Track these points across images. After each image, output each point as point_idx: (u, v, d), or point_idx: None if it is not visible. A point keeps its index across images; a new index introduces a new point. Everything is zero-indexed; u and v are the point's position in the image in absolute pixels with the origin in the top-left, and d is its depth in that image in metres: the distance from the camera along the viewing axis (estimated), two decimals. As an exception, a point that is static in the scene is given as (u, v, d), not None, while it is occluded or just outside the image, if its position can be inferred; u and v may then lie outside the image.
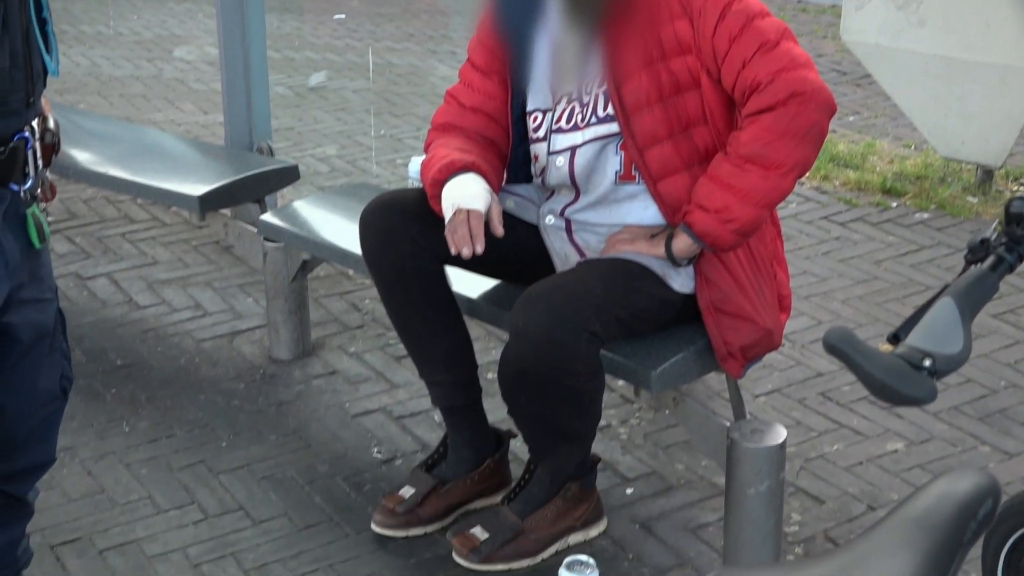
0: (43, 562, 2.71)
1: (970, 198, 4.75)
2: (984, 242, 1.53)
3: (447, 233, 2.53)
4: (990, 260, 1.51)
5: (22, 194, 1.98)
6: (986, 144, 4.61)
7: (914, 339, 1.38)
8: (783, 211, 4.44)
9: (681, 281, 2.59)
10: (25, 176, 1.98)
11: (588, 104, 2.60)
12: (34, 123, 2.01)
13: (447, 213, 2.55)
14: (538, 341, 2.42)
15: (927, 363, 1.35)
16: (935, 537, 0.98)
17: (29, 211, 2.01)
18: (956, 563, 0.99)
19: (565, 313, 2.42)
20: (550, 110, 2.66)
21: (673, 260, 2.56)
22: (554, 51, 2.64)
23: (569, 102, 2.63)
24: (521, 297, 2.50)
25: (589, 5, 2.55)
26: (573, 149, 2.61)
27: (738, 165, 2.46)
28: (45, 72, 2.02)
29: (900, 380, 1.32)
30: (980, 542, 2.16)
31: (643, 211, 2.61)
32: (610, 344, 2.55)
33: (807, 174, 4.83)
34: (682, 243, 2.53)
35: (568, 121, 2.62)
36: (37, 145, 2.01)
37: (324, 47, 7.15)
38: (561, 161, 2.63)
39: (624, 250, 2.59)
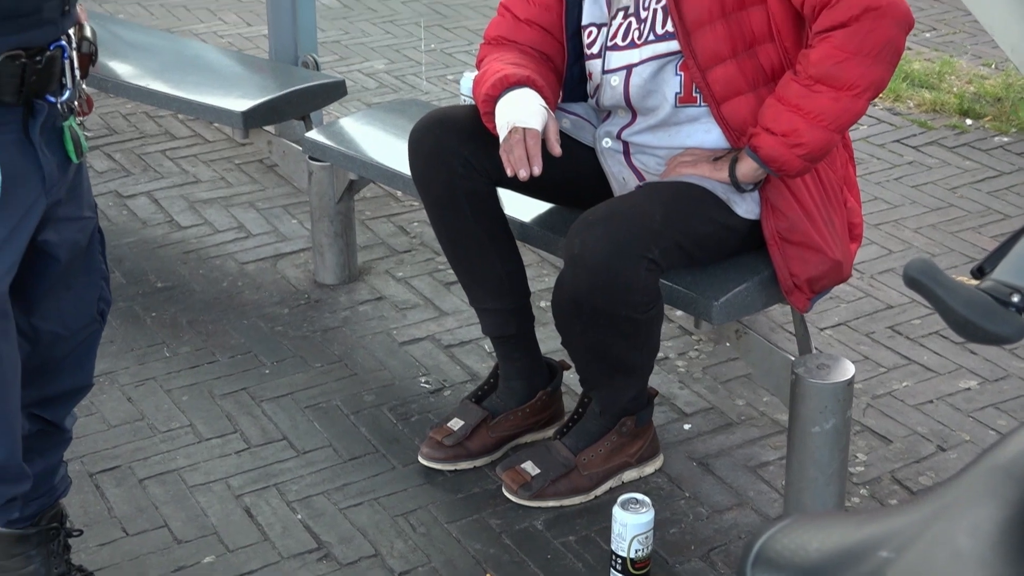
0: (82, 490, 2.69)
1: (1052, 121, 4.60)
2: None
3: (502, 153, 2.43)
4: None
5: (59, 106, 1.93)
6: (1071, 63, 4.43)
7: (1001, 273, 1.25)
8: (853, 133, 4.28)
9: (746, 207, 2.49)
10: (62, 88, 1.93)
11: (646, 20, 2.48)
12: (70, 32, 1.95)
13: (502, 132, 2.45)
14: (594, 268, 2.34)
15: (1016, 299, 1.22)
16: None
17: (66, 124, 1.96)
18: None
19: (623, 239, 2.33)
20: (605, 25, 2.55)
21: (737, 185, 2.46)
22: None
23: (626, 17, 2.51)
24: (577, 222, 2.41)
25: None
26: (629, 68, 2.50)
27: (807, 86, 2.35)
28: None
29: (985, 317, 1.20)
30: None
31: (705, 134, 2.51)
32: (670, 272, 2.47)
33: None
34: (747, 167, 2.43)
35: (624, 38, 2.51)
36: (74, 55, 1.95)
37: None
38: (616, 80, 2.52)
39: (686, 173, 2.49)
